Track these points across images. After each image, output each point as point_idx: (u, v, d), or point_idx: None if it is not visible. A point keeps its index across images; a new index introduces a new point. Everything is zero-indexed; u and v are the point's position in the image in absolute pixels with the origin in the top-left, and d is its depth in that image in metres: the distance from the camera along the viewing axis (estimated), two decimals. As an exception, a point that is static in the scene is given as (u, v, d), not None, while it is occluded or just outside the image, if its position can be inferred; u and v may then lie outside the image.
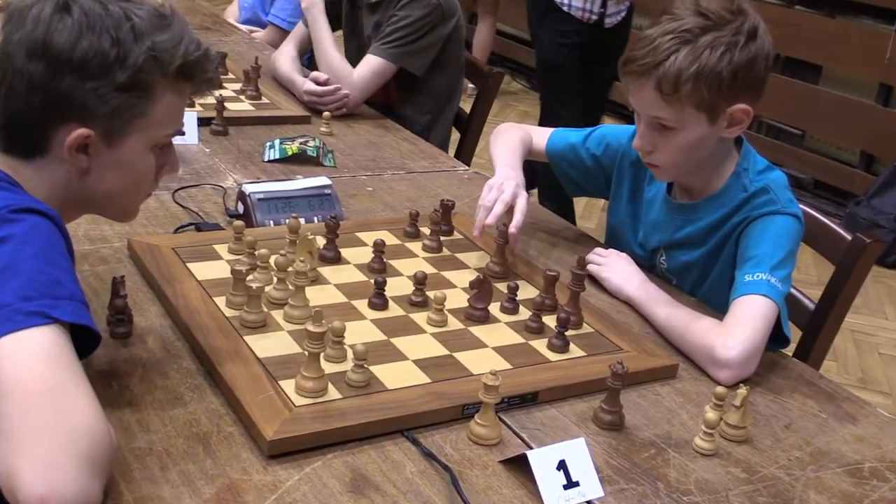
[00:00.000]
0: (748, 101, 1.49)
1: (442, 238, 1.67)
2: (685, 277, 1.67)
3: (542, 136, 1.84)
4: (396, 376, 1.23)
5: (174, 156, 1.18)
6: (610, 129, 1.81)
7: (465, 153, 2.65)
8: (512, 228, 1.56)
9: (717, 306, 1.55)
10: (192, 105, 2.22)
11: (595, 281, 1.64)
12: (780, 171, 1.60)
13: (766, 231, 1.50)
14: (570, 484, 1.07)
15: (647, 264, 1.70)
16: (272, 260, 1.41)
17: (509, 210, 1.59)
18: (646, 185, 1.71)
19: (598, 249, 1.70)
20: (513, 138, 1.79)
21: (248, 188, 1.69)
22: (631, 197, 1.75)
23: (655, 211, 1.68)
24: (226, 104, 2.20)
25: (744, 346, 1.35)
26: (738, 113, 1.49)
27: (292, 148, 2.05)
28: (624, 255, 1.66)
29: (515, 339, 1.38)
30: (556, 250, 1.77)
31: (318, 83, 2.39)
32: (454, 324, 1.39)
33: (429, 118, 2.58)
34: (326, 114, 2.30)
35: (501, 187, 1.60)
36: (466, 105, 2.75)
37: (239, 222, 1.53)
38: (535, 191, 3.59)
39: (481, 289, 1.41)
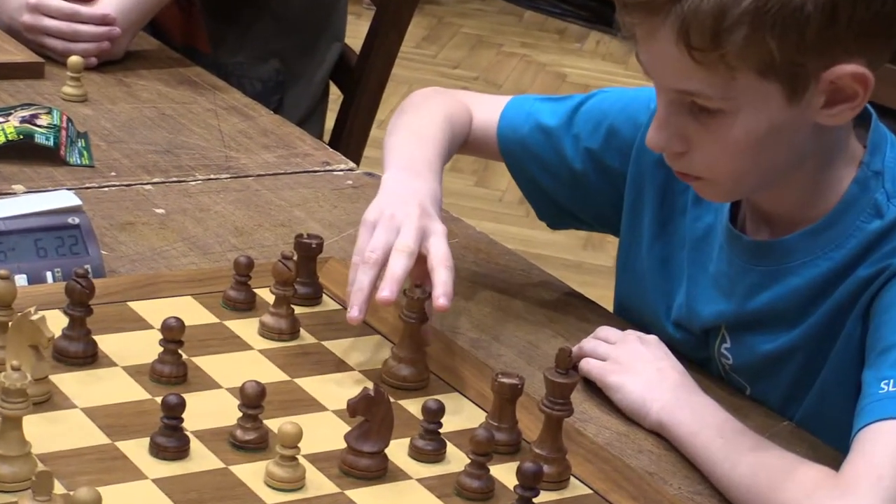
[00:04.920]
0: (864, 58, 1.51)
1: (298, 311, 1.68)
2: (769, 384, 1.70)
3: (489, 111, 1.87)
4: None
5: None
6: (615, 96, 1.84)
7: (351, 135, 2.66)
8: (440, 300, 1.56)
9: (832, 438, 1.58)
10: None
11: (596, 391, 1.66)
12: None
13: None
14: None
15: (695, 357, 1.73)
16: (-42, 363, 1.41)
17: (420, 261, 1.60)
18: (688, 204, 1.75)
19: (605, 330, 1.72)
20: (432, 114, 1.82)
21: (-86, 215, 1.68)
22: (658, 230, 1.78)
23: (709, 255, 1.72)
24: None
25: (878, 520, 1.40)
26: (845, 80, 1.52)
27: (7, 130, 2.05)
28: (651, 338, 1.69)
29: (439, 512, 1.40)
30: (520, 330, 1.78)
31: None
32: (319, 484, 1.40)
33: (278, 66, 2.62)
34: (75, 59, 2.31)
35: (394, 221, 1.61)
36: (355, 35, 2.76)
37: None
38: None
39: (372, 413, 1.42)
